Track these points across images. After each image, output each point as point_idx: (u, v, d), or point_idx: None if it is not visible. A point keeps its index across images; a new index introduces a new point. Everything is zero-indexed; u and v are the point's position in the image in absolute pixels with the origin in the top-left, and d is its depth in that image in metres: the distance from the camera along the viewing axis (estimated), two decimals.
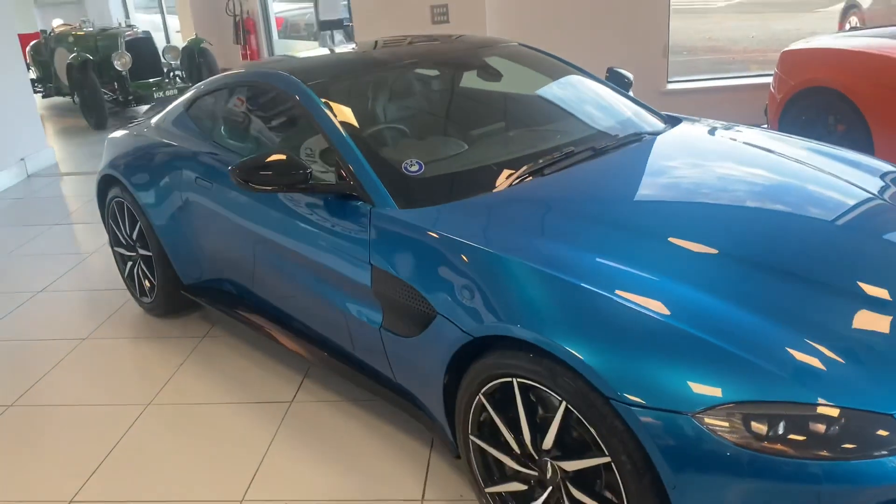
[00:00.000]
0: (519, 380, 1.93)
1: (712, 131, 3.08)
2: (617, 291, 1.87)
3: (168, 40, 12.48)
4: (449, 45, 3.44)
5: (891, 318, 1.84)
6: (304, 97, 2.81)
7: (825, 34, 5.24)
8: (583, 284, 1.91)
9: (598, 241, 2.14)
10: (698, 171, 2.72)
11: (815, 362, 1.70)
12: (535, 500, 2.02)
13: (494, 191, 2.46)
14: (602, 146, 2.77)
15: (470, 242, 2.15)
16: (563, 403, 1.83)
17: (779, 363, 1.69)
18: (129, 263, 3.86)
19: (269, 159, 2.50)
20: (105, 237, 4.96)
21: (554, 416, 1.88)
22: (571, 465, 1.89)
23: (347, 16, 8.65)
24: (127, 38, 9.02)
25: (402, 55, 3.28)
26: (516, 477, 2.08)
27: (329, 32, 8.78)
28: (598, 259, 2.03)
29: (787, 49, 5.12)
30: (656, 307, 1.82)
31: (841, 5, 11.02)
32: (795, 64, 5.00)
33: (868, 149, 4.45)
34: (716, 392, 1.64)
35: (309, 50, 3.80)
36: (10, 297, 4.27)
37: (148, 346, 3.60)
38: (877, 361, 1.73)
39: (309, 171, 2.48)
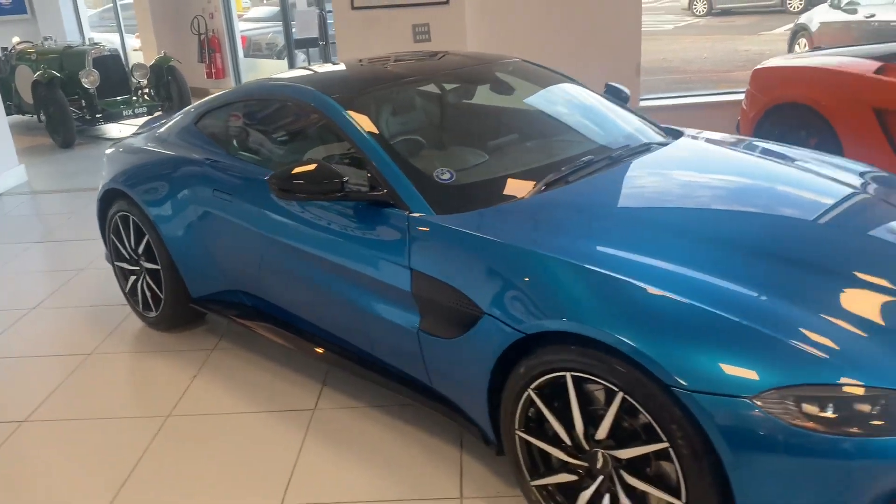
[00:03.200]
0: (573, 373, 2.03)
1: (714, 141, 3.25)
2: (653, 283, 2.00)
3: (126, 58, 12.32)
4: (460, 60, 3.55)
5: None
6: (332, 110, 2.88)
7: (787, 54, 5.53)
8: (621, 277, 2.03)
9: (629, 238, 2.28)
10: (709, 176, 2.89)
11: (852, 346, 1.85)
12: (585, 489, 2.11)
13: (524, 197, 2.57)
14: (617, 155, 2.91)
15: (512, 243, 2.25)
16: (620, 393, 1.94)
17: (822, 348, 1.82)
18: (133, 278, 3.84)
19: (304, 168, 2.57)
20: (94, 253, 4.92)
21: (607, 407, 1.99)
22: (626, 453, 1.99)
23: (318, 35, 8.71)
24: (94, 56, 8.90)
25: (417, 70, 3.38)
26: (564, 468, 2.17)
27: (305, 51, 8.84)
28: (631, 255, 2.16)
29: (758, 67, 5.38)
30: (693, 297, 1.95)
31: (784, 28, 11.58)
32: (767, 81, 5.26)
33: None
34: (770, 376, 1.77)
35: (315, 66, 3.87)
36: (3, 314, 4.20)
37: (157, 359, 3.59)
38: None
39: (345, 179, 2.55)
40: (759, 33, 16.09)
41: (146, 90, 9.35)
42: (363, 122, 2.81)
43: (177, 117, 3.84)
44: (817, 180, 2.79)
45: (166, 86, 9.25)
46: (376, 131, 2.80)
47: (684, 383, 1.80)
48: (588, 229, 2.37)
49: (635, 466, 2.02)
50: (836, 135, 4.72)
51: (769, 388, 1.75)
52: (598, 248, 2.21)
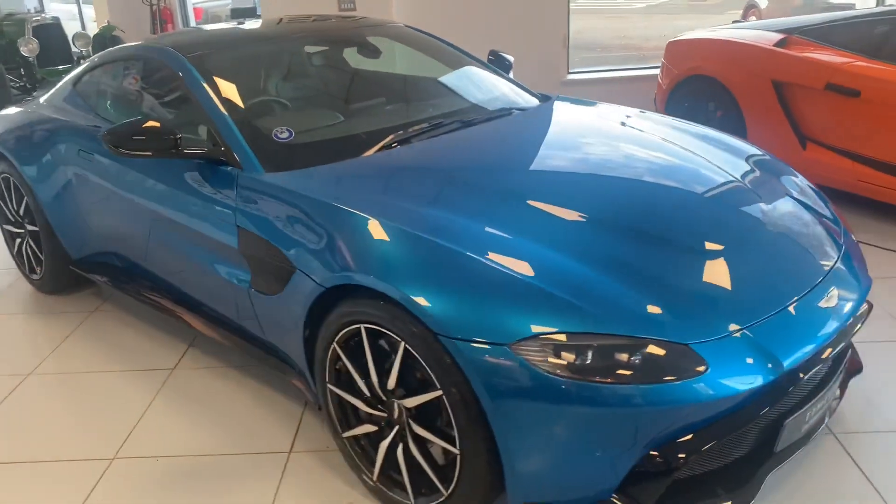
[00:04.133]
0: (365, 325, 2.07)
1: (583, 109, 3.28)
2: (433, 235, 2.04)
3: (84, 28, 12.18)
4: (335, 24, 3.56)
5: (717, 267, 2.06)
6: (183, 69, 2.89)
7: (705, 28, 5.55)
8: (406, 229, 2.08)
9: (432, 195, 2.33)
10: (560, 142, 2.92)
11: (619, 296, 1.89)
12: (384, 439, 2.16)
13: (359, 157, 2.60)
14: (470, 118, 2.94)
15: (325, 200, 2.28)
16: (402, 343, 1.98)
17: (591, 300, 1.87)
18: (18, 240, 3.85)
19: (138, 125, 2.57)
20: None
21: (394, 357, 2.03)
22: (411, 402, 2.04)
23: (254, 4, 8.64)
24: (34, 24, 8.79)
25: (286, 31, 3.38)
26: (369, 419, 2.22)
27: (242, 21, 8.78)
28: (425, 209, 2.21)
29: (672, 40, 5.41)
30: (470, 248, 1.99)
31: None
32: (678, 54, 5.29)
33: (742, 133, 4.76)
34: (530, 325, 1.81)
35: (206, 26, 3.85)
36: None
37: (37, 321, 3.61)
38: (682, 299, 1.94)
39: (179, 136, 2.56)
40: (727, 12, 16.11)
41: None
42: (211, 81, 2.82)
43: (64, 80, 3.82)
44: (665, 148, 2.80)
45: None
46: (222, 89, 2.80)
47: (448, 330, 1.84)
48: (398, 188, 2.41)
49: (428, 416, 2.06)
50: (739, 108, 4.76)
51: (527, 336, 1.80)
52: (399, 203, 2.24)
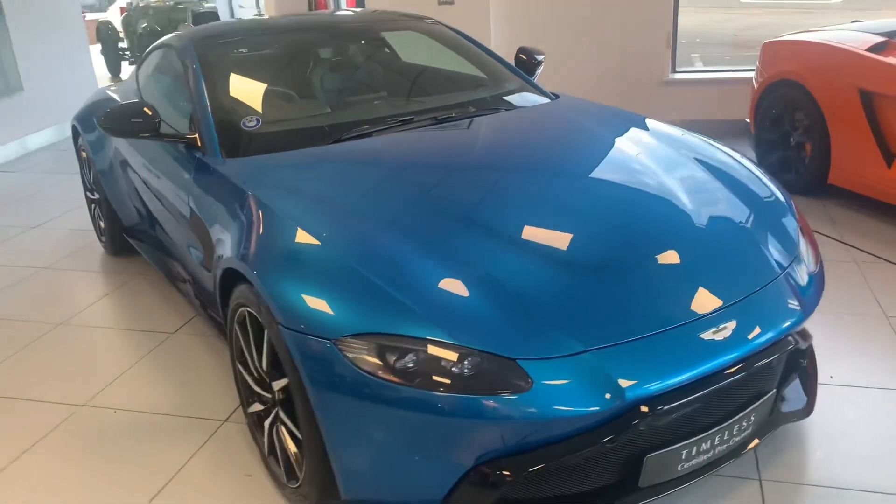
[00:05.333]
0: (246, 308, 2.17)
1: (564, 112, 3.17)
2: (309, 230, 2.10)
3: (232, 17, 13.24)
4: (354, 18, 3.67)
5: (586, 286, 1.96)
6: (189, 57, 3.12)
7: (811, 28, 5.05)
8: (287, 222, 2.16)
9: (332, 190, 2.39)
10: (495, 144, 2.88)
11: (458, 304, 1.85)
12: (266, 418, 2.26)
13: (304, 149, 2.69)
14: (447, 116, 2.94)
15: (240, 187, 2.43)
16: (266, 330, 2.06)
17: (427, 305, 1.84)
18: (93, 205, 4.33)
19: (127, 108, 2.82)
20: None
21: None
22: (276, 386, 2.11)
23: None
24: (194, 12, 9.73)
25: (309, 23, 3.54)
26: (259, 399, 2.32)
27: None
28: (319, 205, 2.28)
29: (767, 41, 4.98)
30: (332, 247, 2.05)
31: None
32: (771, 56, 4.87)
33: (825, 148, 4.31)
34: (357, 323, 1.82)
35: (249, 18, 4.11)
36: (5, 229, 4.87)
37: (89, 277, 4.06)
38: (527, 313, 1.86)
39: (158, 120, 2.78)
40: (865, 10, 14.39)
41: None
42: (205, 69, 3.03)
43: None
44: (610, 159, 2.67)
45: None
46: (211, 78, 3.00)
47: (281, 320, 1.90)
48: (313, 180, 2.48)
49: (292, 402, 2.12)
50: (823, 119, 4.31)
51: (351, 334, 1.81)
52: (293, 195, 2.34)
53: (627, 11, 6.10)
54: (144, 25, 9.53)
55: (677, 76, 6.24)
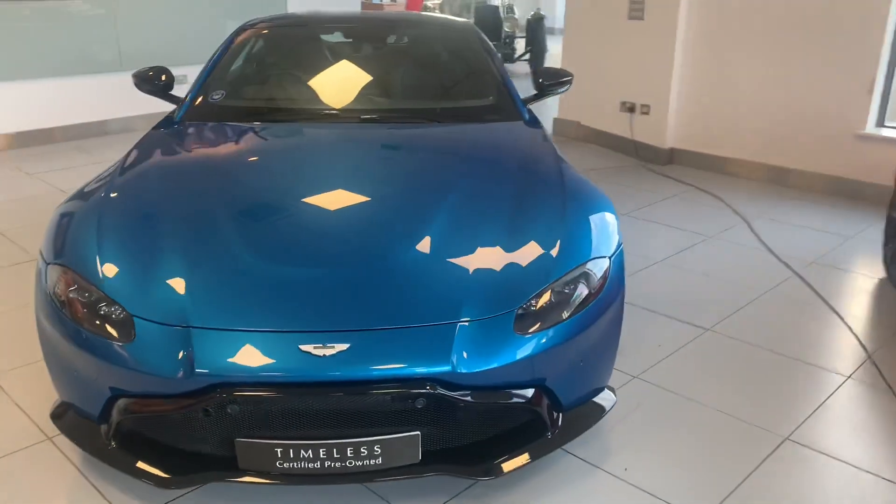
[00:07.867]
0: None
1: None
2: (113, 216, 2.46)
3: (512, 13, 13.60)
4: (389, 17, 3.97)
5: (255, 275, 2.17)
6: (231, 38, 3.73)
7: None
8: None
9: (170, 176, 2.77)
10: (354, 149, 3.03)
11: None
12: None
13: (232, 123, 3.16)
14: (367, 118, 3.24)
15: (141, 149, 2.97)
16: None
17: (121, 263, 2.23)
18: None
19: (150, 71, 3.57)
20: None
21: None
22: None
23: None
24: (477, 5, 10.55)
25: (332, 20, 3.95)
26: None
27: None
28: (140, 192, 2.63)
29: None
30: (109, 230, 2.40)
31: None
32: None
33: None
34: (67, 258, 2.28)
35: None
36: None
37: None
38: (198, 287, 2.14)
39: (169, 81, 3.48)
40: None
41: (512, 38, 10.72)
42: (227, 46, 3.60)
43: None
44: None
45: (531, 39, 10.39)
46: (227, 55, 3.56)
47: None
48: (197, 150, 2.94)
49: None
50: None
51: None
52: (135, 178, 2.75)
53: (822, 49, 5.26)
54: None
55: (882, 131, 5.24)
